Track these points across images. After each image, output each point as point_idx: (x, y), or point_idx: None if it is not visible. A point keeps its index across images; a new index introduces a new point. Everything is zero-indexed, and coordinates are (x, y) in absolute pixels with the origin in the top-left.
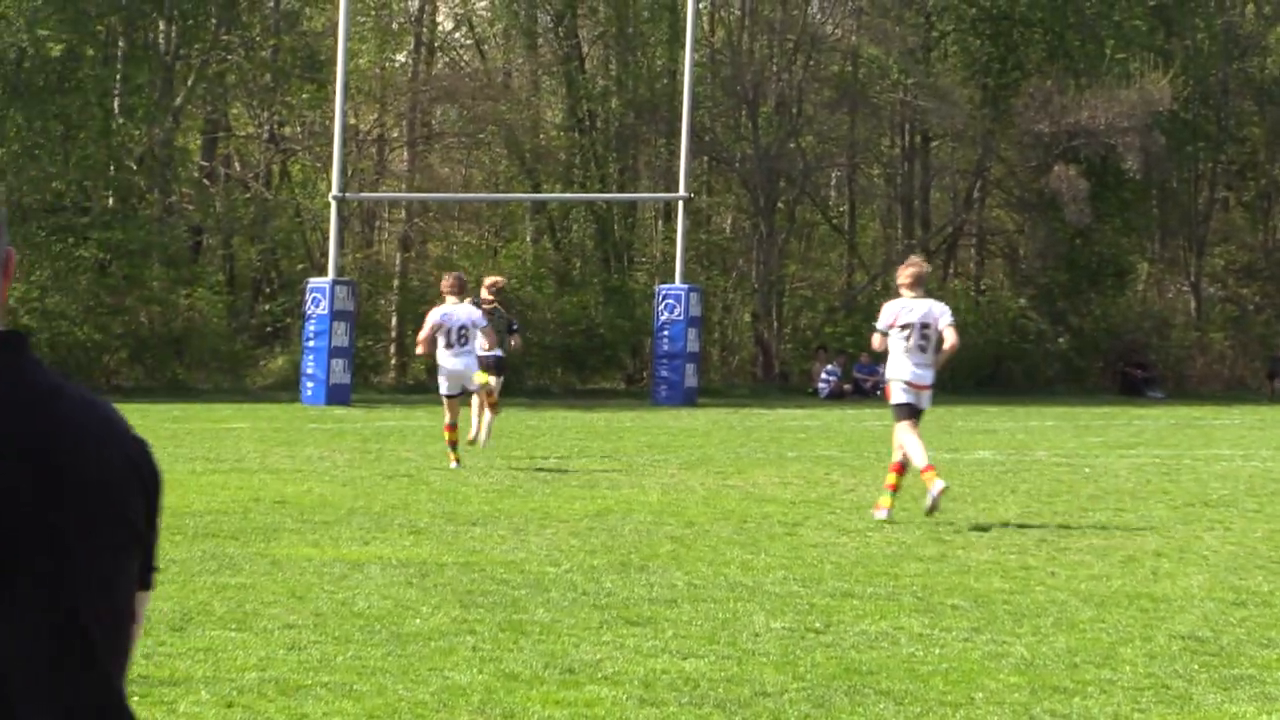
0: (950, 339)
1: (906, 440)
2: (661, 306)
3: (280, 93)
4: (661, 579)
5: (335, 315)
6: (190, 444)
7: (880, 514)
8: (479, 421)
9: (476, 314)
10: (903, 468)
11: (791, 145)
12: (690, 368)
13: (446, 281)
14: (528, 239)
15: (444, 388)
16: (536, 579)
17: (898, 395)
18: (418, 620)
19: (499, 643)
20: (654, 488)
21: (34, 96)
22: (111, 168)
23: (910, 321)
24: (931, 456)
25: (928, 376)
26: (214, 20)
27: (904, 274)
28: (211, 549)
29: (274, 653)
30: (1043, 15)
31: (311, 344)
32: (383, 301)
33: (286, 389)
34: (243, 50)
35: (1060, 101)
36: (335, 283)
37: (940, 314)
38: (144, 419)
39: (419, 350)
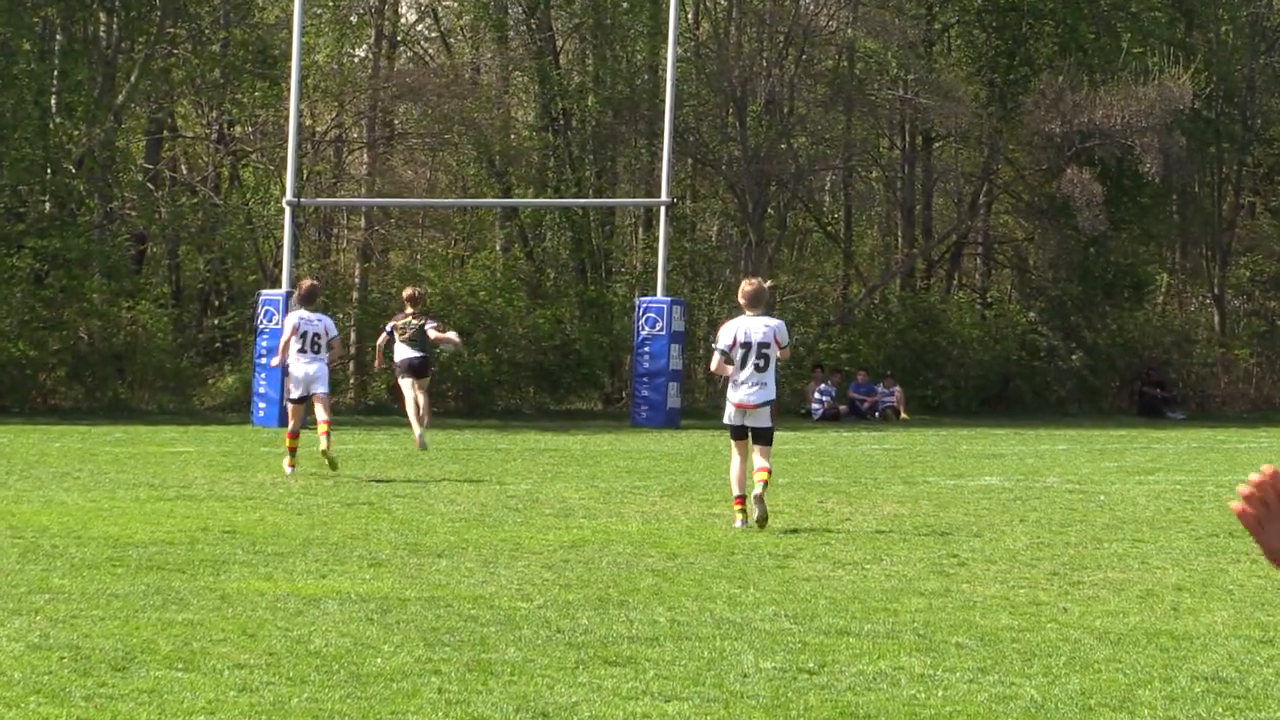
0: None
1: (731, 463)
2: (642, 320)
3: (230, 90)
4: (642, 615)
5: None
6: (134, 469)
7: (738, 524)
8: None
9: (329, 321)
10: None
11: (782, 146)
12: (673, 387)
13: (303, 285)
14: (498, 247)
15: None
16: (507, 615)
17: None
18: (379, 660)
19: (466, 684)
20: (634, 517)
21: None
22: (48, 170)
23: (749, 341)
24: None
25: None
26: (159, 12)
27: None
28: (156, 582)
29: (224, 695)
30: (1054, 6)
31: (264, 361)
32: (341, 315)
33: (237, 410)
34: (190, 44)
35: (1073, 99)
36: (289, 295)
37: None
38: (83, 441)
39: (276, 361)
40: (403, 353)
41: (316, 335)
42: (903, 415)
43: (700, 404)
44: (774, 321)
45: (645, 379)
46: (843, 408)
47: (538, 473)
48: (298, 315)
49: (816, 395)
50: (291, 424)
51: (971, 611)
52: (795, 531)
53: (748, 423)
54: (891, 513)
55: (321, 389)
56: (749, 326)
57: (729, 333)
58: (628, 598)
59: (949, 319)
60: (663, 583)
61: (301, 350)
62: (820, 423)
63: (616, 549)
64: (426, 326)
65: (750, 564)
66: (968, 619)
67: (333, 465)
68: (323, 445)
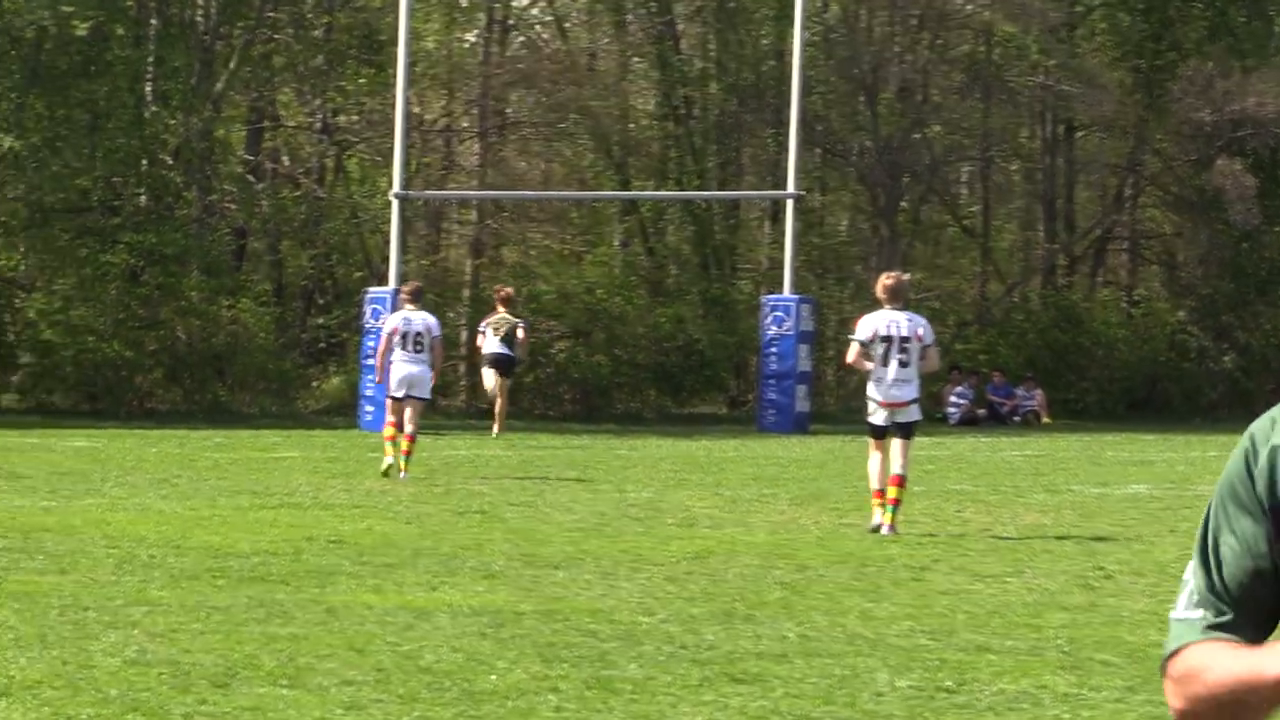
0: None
1: (870, 458)
2: (769, 319)
3: (334, 77)
4: (770, 630)
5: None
6: (235, 475)
7: (876, 519)
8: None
9: (433, 321)
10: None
11: (916, 136)
12: (801, 389)
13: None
14: (616, 243)
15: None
16: (627, 630)
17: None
18: (493, 676)
19: (585, 702)
20: (761, 527)
21: (56, 81)
22: (144, 162)
23: (890, 335)
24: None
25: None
26: None
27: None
28: (259, 594)
29: (330, 713)
30: None
31: (370, 362)
32: (451, 314)
33: (343, 413)
34: (292, 29)
35: (1223, 86)
36: (397, 292)
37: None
38: (182, 447)
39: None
40: (491, 346)
41: (419, 335)
42: (1044, 419)
43: (830, 408)
44: (918, 317)
45: (772, 381)
46: (981, 411)
47: (659, 480)
48: (400, 316)
49: (953, 398)
50: (390, 417)
51: (1119, 627)
52: (931, 540)
53: (897, 419)
54: (1033, 522)
55: (419, 393)
56: (891, 319)
57: (869, 325)
58: (755, 611)
59: (1093, 318)
60: (791, 596)
61: (403, 349)
62: (957, 427)
63: (743, 560)
64: (519, 327)
65: (884, 576)
66: (1115, 635)
67: (394, 475)
68: (387, 463)
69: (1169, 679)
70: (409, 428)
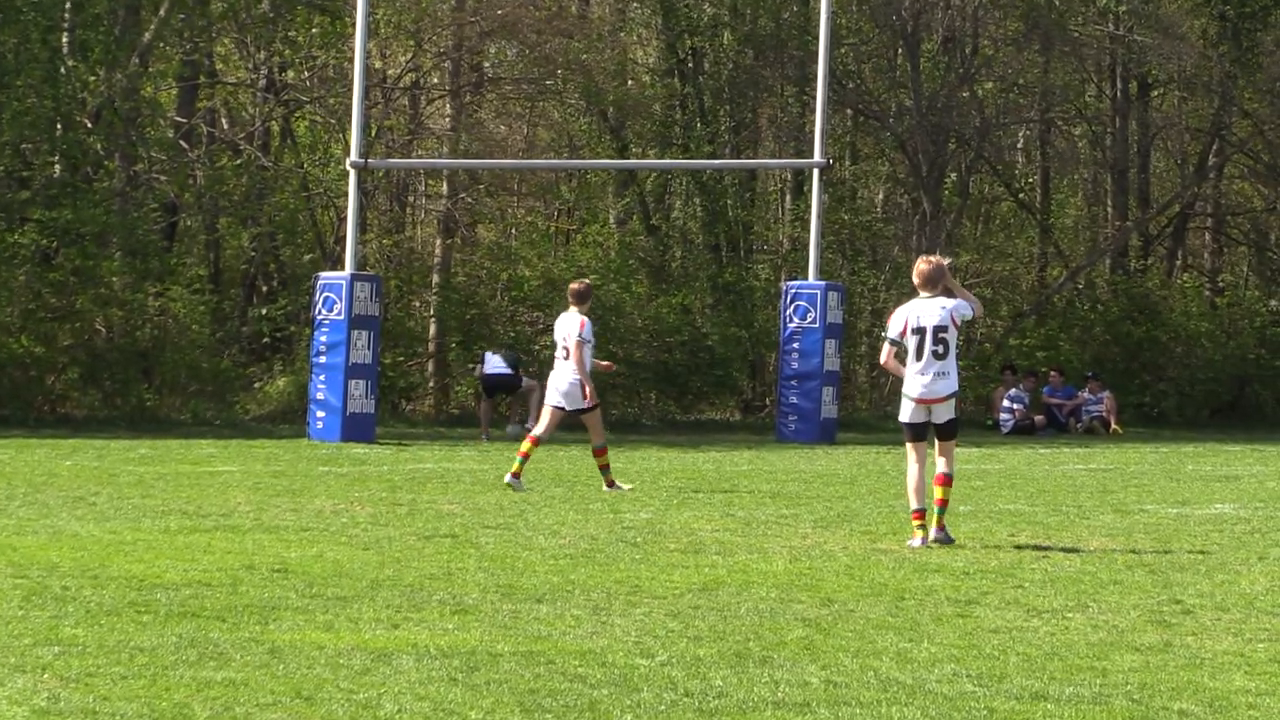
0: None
1: (908, 471)
2: (790, 310)
3: (282, 26)
4: (790, 675)
5: (354, 322)
6: (162, 493)
7: (915, 542)
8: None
9: (575, 322)
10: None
11: (964, 94)
12: (828, 392)
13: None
14: (611, 220)
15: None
16: (623, 674)
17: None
18: None
19: None
20: (780, 553)
21: None
22: (58, 125)
23: (921, 327)
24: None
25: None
26: None
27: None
28: (190, 633)
29: None
30: None
31: (322, 360)
32: (418, 303)
33: (289, 420)
34: None
35: None
36: (354, 278)
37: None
38: (101, 459)
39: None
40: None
41: (564, 338)
42: (1114, 428)
43: (862, 413)
44: (951, 302)
45: (794, 383)
46: (1038, 418)
47: (660, 498)
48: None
49: (1006, 403)
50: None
51: (1198, 670)
52: (979, 570)
53: (933, 419)
54: (1099, 548)
55: (559, 402)
56: (921, 310)
57: (899, 319)
58: (772, 653)
59: (1171, 308)
60: (815, 635)
61: (559, 356)
62: (1011, 436)
63: (758, 593)
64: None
65: (924, 611)
66: (1194, 680)
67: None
68: (512, 471)
69: None
70: (540, 429)
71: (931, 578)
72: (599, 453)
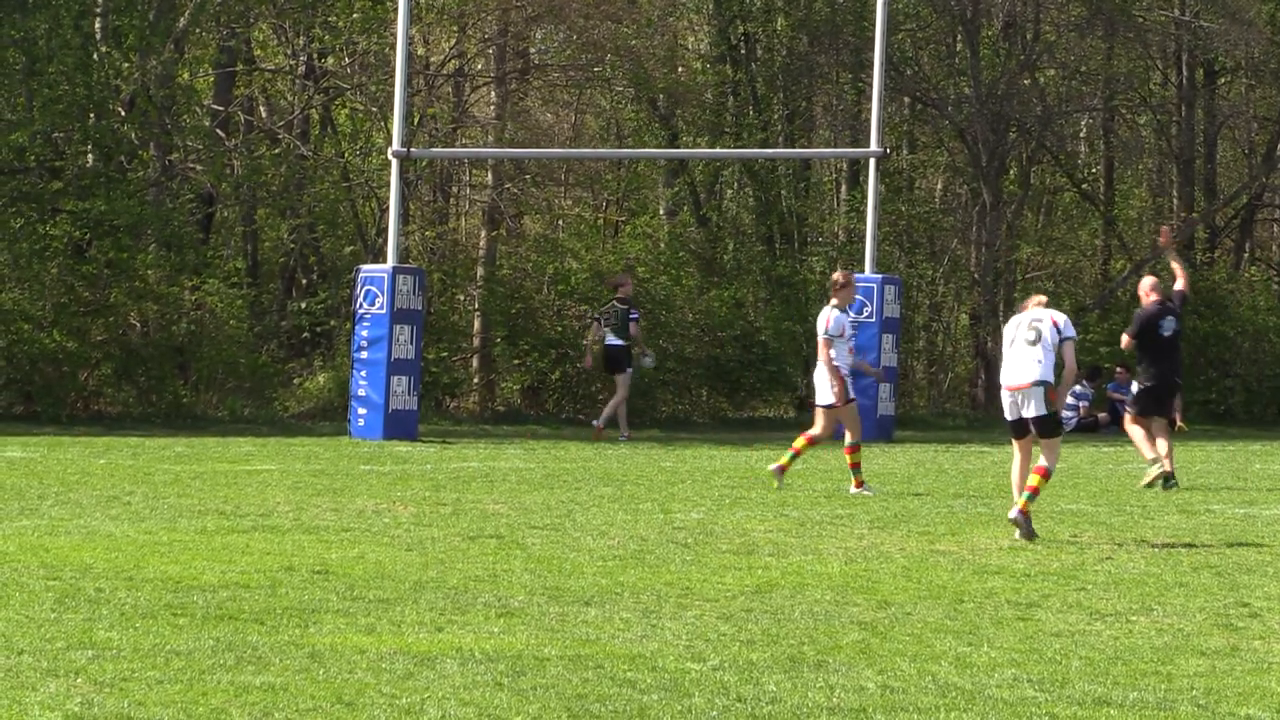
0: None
1: (1012, 465)
2: None
3: (322, 11)
4: (846, 680)
5: (396, 316)
6: (199, 492)
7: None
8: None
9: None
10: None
11: (1025, 82)
12: (885, 389)
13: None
14: (661, 211)
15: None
16: (673, 679)
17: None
18: None
19: None
20: (835, 554)
21: None
22: (91, 114)
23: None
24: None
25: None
26: None
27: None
28: (228, 636)
29: None
30: None
31: (364, 356)
32: (462, 297)
33: (330, 417)
34: None
35: None
36: (397, 271)
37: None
38: (135, 458)
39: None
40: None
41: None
42: (1179, 425)
43: (920, 410)
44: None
45: (849, 378)
46: (1102, 415)
47: (712, 498)
48: None
49: (1069, 399)
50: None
51: (1267, 675)
52: (1041, 572)
53: (1024, 412)
54: (1164, 550)
55: (818, 399)
56: (1026, 318)
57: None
58: (827, 657)
59: (1239, 302)
60: (871, 638)
61: None
62: (1074, 434)
63: (812, 595)
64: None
65: (984, 615)
66: (1261, 685)
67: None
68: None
69: None
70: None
71: (991, 580)
72: (850, 450)
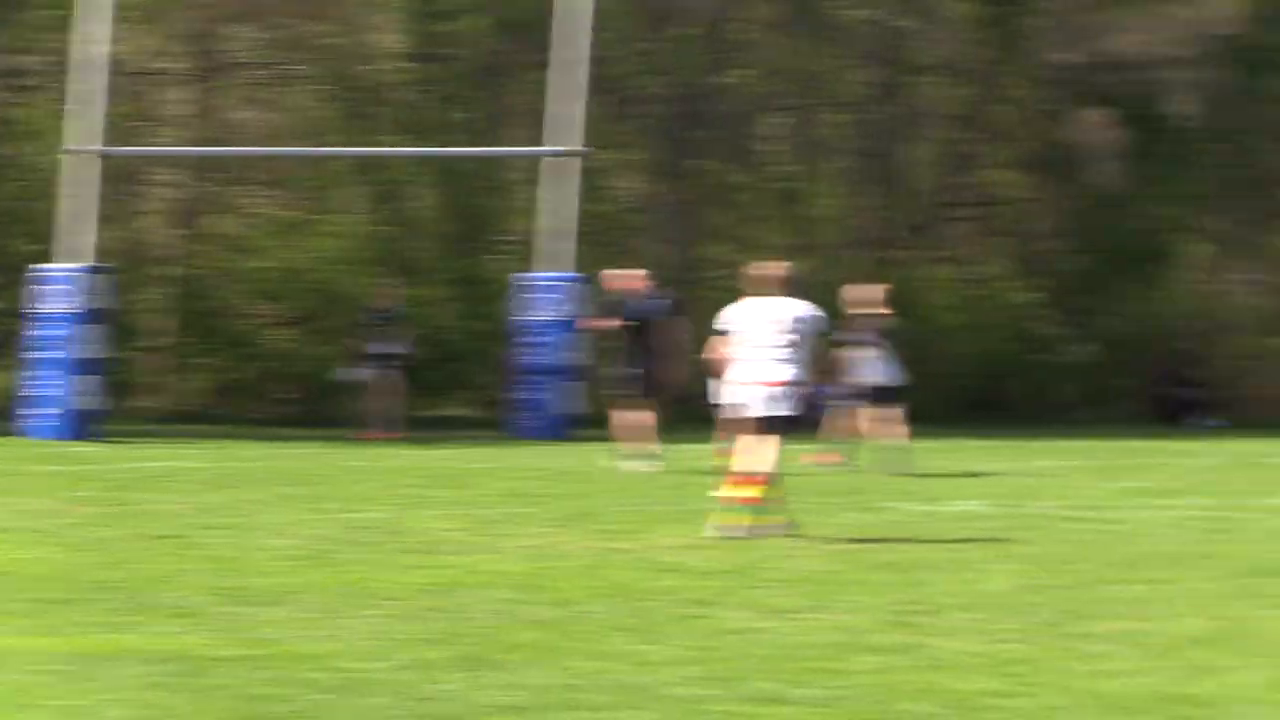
0: None
1: None
2: (529, 303)
3: (10, 9)
4: (524, 678)
5: (80, 315)
6: None
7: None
8: None
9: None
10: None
11: (719, 80)
12: (565, 387)
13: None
14: (352, 210)
15: None
16: (352, 679)
17: None
18: None
19: None
20: (515, 553)
21: None
22: None
23: None
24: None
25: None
26: None
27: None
28: None
29: None
30: None
31: (43, 354)
32: (149, 297)
33: (4, 416)
34: None
35: (1086, 22)
36: (80, 270)
37: None
38: None
39: None
40: None
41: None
42: None
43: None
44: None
45: (530, 378)
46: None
47: (396, 497)
48: None
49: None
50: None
51: (941, 673)
52: (718, 571)
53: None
54: (841, 548)
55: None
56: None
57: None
58: (506, 657)
59: (926, 301)
60: (550, 637)
61: None
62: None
63: (493, 594)
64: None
65: (660, 613)
66: (936, 681)
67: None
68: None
69: None
70: None
71: (668, 578)
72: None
